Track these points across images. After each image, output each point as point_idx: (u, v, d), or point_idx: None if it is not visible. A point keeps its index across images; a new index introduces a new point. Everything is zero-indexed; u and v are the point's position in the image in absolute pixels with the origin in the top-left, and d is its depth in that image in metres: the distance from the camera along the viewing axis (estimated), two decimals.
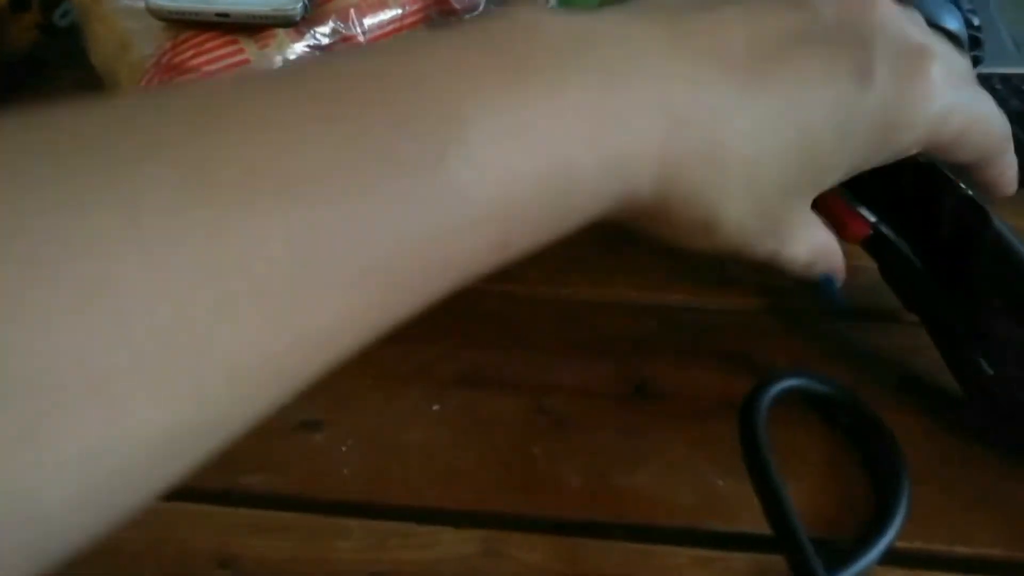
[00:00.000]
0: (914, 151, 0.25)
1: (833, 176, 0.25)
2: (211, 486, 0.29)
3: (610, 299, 0.35)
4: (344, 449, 0.30)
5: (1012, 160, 0.28)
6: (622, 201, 0.23)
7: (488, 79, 0.20)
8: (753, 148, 0.23)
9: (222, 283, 0.16)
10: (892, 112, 0.24)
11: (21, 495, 0.14)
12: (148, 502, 0.17)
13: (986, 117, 0.26)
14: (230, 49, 0.44)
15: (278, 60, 0.46)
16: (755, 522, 0.27)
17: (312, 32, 0.47)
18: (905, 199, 0.30)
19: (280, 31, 0.46)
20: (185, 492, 0.29)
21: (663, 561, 0.26)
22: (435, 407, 0.31)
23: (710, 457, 0.29)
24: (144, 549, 0.27)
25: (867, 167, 0.25)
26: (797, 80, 0.23)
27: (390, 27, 0.49)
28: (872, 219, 0.31)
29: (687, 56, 0.23)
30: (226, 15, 0.44)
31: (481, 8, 0.51)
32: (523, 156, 0.20)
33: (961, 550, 0.26)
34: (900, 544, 0.26)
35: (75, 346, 0.14)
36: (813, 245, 0.27)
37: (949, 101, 0.25)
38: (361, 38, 0.48)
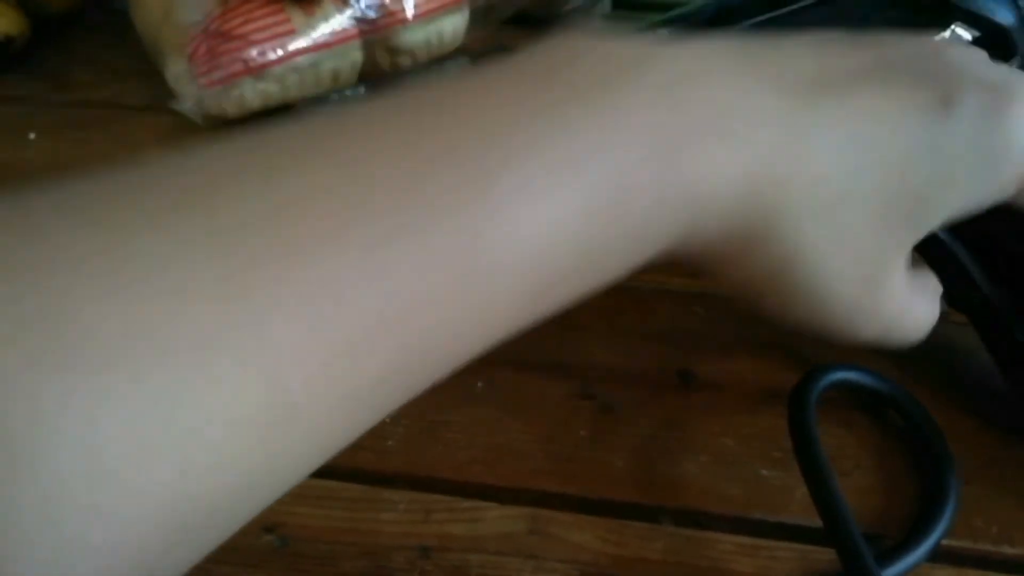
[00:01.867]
0: (1009, 192, 0.23)
1: (936, 214, 0.22)
2: None
3: (656, 286, 0.35)
4: (388, 421, 0.30)
5: None
6: (683, 237, 0.20)
7: (527, 109, 0.18)
8: (828, 174, 0.21)
9: (230, 349, 0.15)
10: (985, 144, 0.21)
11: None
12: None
13: None
14: (278, 18, 0.44)
15: (324, 31, 0.45)
16: (801, 513, 0.27)
17: (358, 4, 0.47)
18: None
19: (327, 2, 0.46)
20: None
21: (709, 547, 0.26)
22: (480, 384, 0.31)
23: (756, 448, 0.29)
24: None
25: (975, 207, 0.22)
26: (873, 107, 0.21)
27: (436, 3, 0.49)
28: None
29: (750, 80, 0.21)
30: None
31: None
32: (566, 194, 0.18)
33: (1008, 550, 0.26)
34: (947, 542, 0.26)
35: (125, 429, 0.14)
36: (928, 318, 0.24)
37: None
38: (408, 13, 0.48)
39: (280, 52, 0.44)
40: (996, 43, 0.32)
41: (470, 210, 0.17)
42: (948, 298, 0.30)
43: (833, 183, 0.21)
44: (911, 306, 0.24)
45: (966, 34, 0.31)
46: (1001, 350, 0.29)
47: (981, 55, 0.24)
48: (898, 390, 0.29)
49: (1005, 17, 0.33)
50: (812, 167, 0.20)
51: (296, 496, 0.28)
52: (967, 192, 0.22)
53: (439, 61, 0.51)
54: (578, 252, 0.19)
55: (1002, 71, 0.23)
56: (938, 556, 0.26)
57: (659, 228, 0.20)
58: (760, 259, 0.21)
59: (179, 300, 0.15)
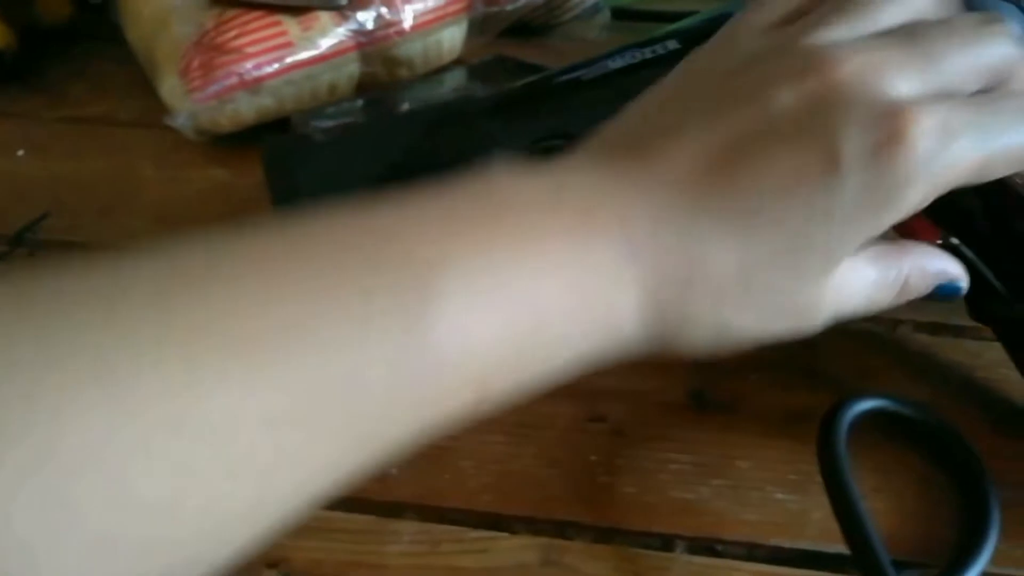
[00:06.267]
0: (932, 198, 0.23)
1: (847, 250, 0.23)
2: None
3: None
4: None
5: None
6: (612, 345, 0.22)
7: (463, 243, 0.20)
8: (734, 260, 0.22)
9: (189, 446, 0.16)
10: (878, 186, 0.22)
11: None
12: None
13: (1009, 147, 0.23)
14: (274, 31, 0.43)
15: (321, 43, 0.45)
16: (819, 538, 0.26)
17: (355, 17, 0.46)
18: (971, 209, 0.29)
19: (324, 14, 0.45)
20: None
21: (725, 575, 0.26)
22: None
23: (771, 471, 0.28)
24: None
25: (884, 229, 0.23)
26: (762, 189, 0.22)
27: (433, 15, 0.48)
28: (942, 231, 0.30)
29: (645, 190, 0.22)
30: None
31: None
32: (501, 316, 0.20)
33: None
34: (991, 570, 0.25)
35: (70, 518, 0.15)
36: (866, 287, 0.25)
37: (950, 151, 0.22)
38: (405, 25, 0.47)
39: (276, 66, 0.43)
40: None
41: (422, 315, 0.19)
42: (972, 311, 0.30)
43: (738, 272, 0.22)
44: (848, 300, 0.25)
45: None
46: None
47: (886, 42, 0.23)
48: (931, 416, 0.28)
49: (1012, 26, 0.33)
50: (712, 258, 0.22)
51: (300, 529, 0.27)
52: (871, 229, 0.23)
53: (437, 72, 0.50)
54: (510, 359, 0.21)
55: (895, 86, 0.22)
56: None
57: (579, 343, 0.22)
58: (692, 338, 0.23)
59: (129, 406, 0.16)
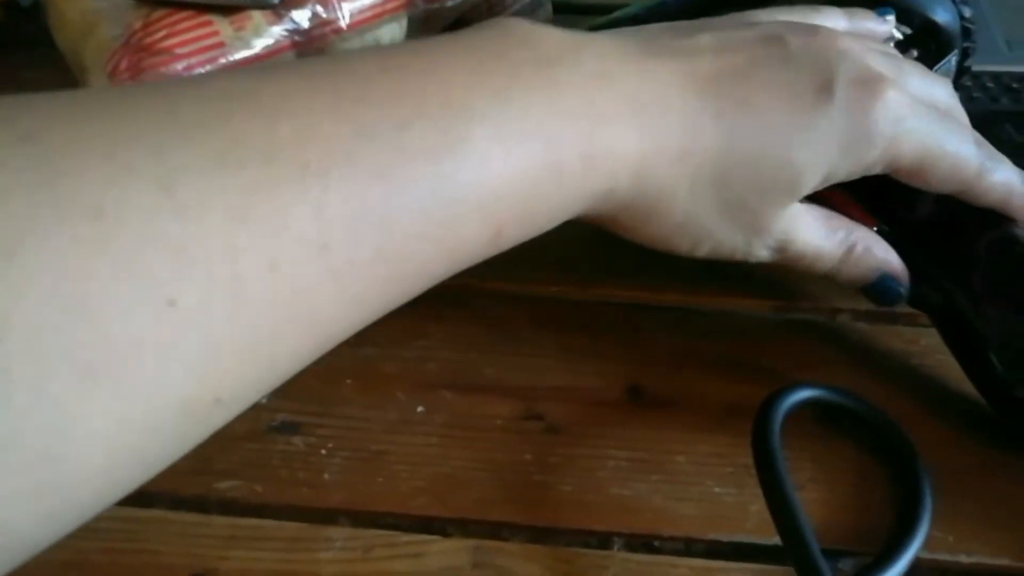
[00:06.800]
0: (879, 168, 0.27)
1: (808, 181, 0.26)
2: (184, 493, 0.27)
3: (602, 299, 0.34)
4: (324, 453, 0.29)
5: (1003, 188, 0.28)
6: (604, 197, 0.25)
7: (490, 80, 0.22)
8: (722, 151, 0.25)
9: (242, 261, 0.17)
10: (852, 126, 0.25)
11: (49, 465, 0.15)
12: (170, 462, 0.18)
13: (948, 152, 0.27)
14: (205, 31, 0.42)
15: (255, 43, 0.44)
16: (756, 531, 0.26)
17: (290, 16, 0.45)
18: (909, 197, 0.29)
19: (257, 13, 0.44)
20: (156, 500, 0.27)
21: (662, 573, 0.25)
22: (420, 409, 0.30)
23: (709, 465, 0.28)
24: (111, 563, 0.25)
25: (840, 176, 0.27)
26: (762, 98, 0.25)
27: (371, 12, 0.48)
28: (878, 221, 0.30)
29: (660, 69, 0.25)
30: None
31: None
32: (521, 152, 0.22)
33: (965, 560, 0.25)
34: (923, 555, 0.25)
35: (106, 316, 0.16)
36: (816, 233, 0.28)
37: (907, 126, 0.26)
38: (342, 23, 0.46)
39: (208, 67, 0.42)
40: (931, 40, 0.32)
41: (451, 150, 0.21)
42: (908, 298, 0.30)
43: (721, 162, 0.25)
44: (797, 236, 0.28)
45: (898, 32, 0.31)
46: (962, 347, 0.29)
47: (869, 44, 0.28)
48: (866, 404, 0.28)
49: (943, 15, 0.33)
50: (703, 150, 0.25)
51: (228, 539, 0.27)
52: (837, 166, 0.26)
53: None
54: (524, 198, 0.23)
55: (877, 64, 0.26)
56: (916, 571, 0.25)
57: (583, 189, 0.24)
58: (664, 217, 0.26)
59: (192, 215, 0.17)
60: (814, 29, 0.27)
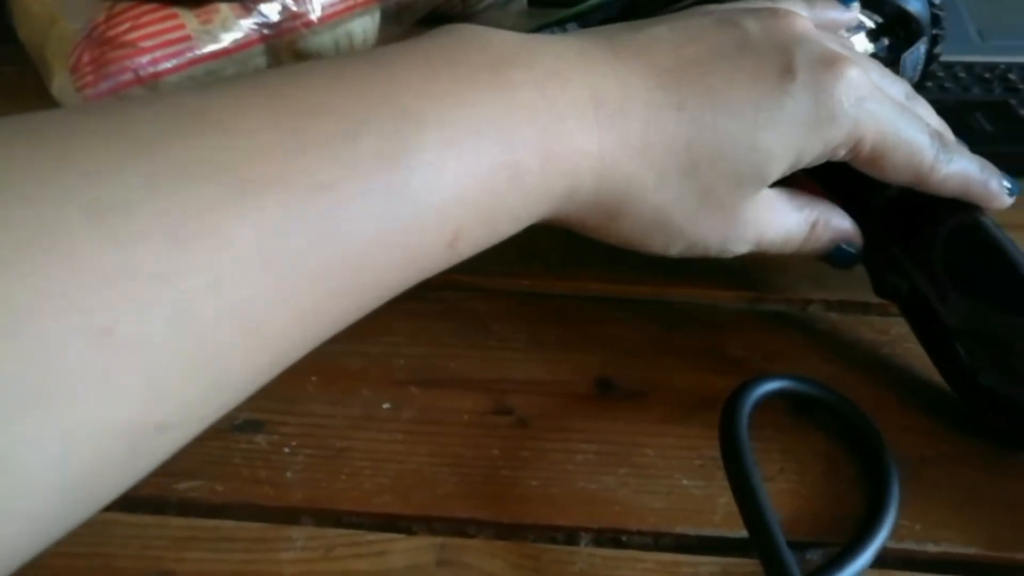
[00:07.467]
0: (843, 151, 0.26)
1: (777, 165, 0.26)
2: (143, 494, 0.27)
3: (572, 291, 0.33)
4: (287, 451, 0.28)
5: (959, 176, 0.28)
6: (568, 197, 0.24)
7: (443, 85, 0.22)
8: (688, 141, 0.25)
9: (183, 283, 0.17)
10: (817, 106, 0.25)
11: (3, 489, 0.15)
12: (117, 494, 0.18)
13: (904, 140, 0.27)
14: (170, 24, 0.41)
15: (223, 37, 0.43)
16: (724, 524, 0.26)
17: (259, 9, 0.44)
18: (876, 185, 0.29)
19: (224, 6, 0.43)
20: (114, 502, 0.27)
21: (629, 568, 0.25)
22: (386, 406, 0.29)
23: (677, 457, 0.28)
24: (64, 567, 0.25)
25: (807, 159, 0.26)
26: (724, 85, 0.25)
27: (343, 5, 0.47)
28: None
29: (618, 64, 0.25)
30: None
31: None
32: (475, 156, 0.22)
33: (932, 548, 0.25)
34: (891, 545, 0.25)
35: (40, 348, 0.15)
36: (786, 220, 0.28)
37: (868, 107, 0.26)
38: (313, 16, 0.45)
39: (174, 61, 0.42)
40: (900, 28, 0.32)
41: (403, 157, 0.20)
42: (876, 288, 0.30)
43: (687, 153, 0.25)
44: (770, 227, 0.28)
45: (869, 20, 0.31)
46: (928, 336, 0.29)
47: (828, 35, 0.28)
48: (834, 394, 0.28)
49: (913, 3, 0.33)
50: (667, 142, 0.25)
51: (187, 539, 0.26)
52: (804, 148, 0.26)
53: None
54: (483, 202, 0.22)
55: (836, 46, 0.26)
56: (882, 562, 0.24)
57: (544, 189, 0.23)
58: (633, 215, 0.26)
59: (125, 240, 0.16)
60: (772, 12, 0.27)
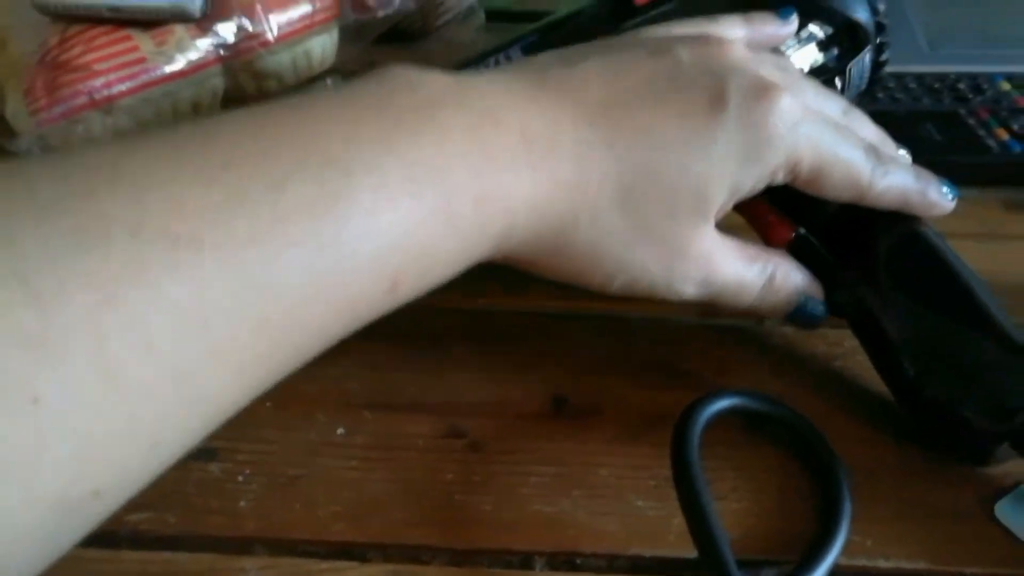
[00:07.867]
0: (781, 175, 0.27)
1: (715, 197, 0.26)
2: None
3: (526, 309, 0.33)
4: (241, 479, 0.28)
5: (894, 189, 0.28)
6: (504, 236, 0.24)
7: (370, 130, 0.21)
8: (620, 177, 0.25)
9: (110, 347, 0.16)
10: (750, 136, 0.25)
11: None
12: (49, 563, 0.17)
13: (841, 159, 0.27)
14: (124, 46, 0.41)
15: (178, 58, 0.43)
16: (678, 544, 0.26)
17: (214, 29, 0.44)
18: (823, 204, 0.29)
19: (179, 27, 0.43)
20: None
21: None
22: (340, 431, 0.29)
23: (630, 477, 0.28)
24: None
25: (747, 188, 0.26)
26: (653, 121, 0.25)
27: (300, 24, 0.47)
28: (796, 226, 0.30)
29: (547, 102, 0.25)
30: (117, 10, 0.41)
31: (396, 4, 0.49)
32: (410, 200, 0.21)
33: (883, 564, 0.25)
34: (844, 562, 0.25)
35: None
36: (737, 264, 0.28)
37: (803, 131, 0.26)
38: (270, 36, 0.45)
39: (129, 84, 0.41)
40: (847, 38, 0.32)
41: (333, 206, 0.20)
42: (828, 305, 0.30)
43: (621, 188, 0.25)
44: (719, 267, 0.27)
45: (820, 32, 0.31)
46: (874, 349, 0.29)
47: (763, 56, 0.28)
48: (786, 410, 0.28)
49: (860, 14, 0.33)
50: (599, 179, 0.25)
51: (139, 574, 0.26)
52: (742, 178, 0.26)
53: (311, 83, 0.48)
54: (419, 247, 0.22)
55: (768, 72, 0.27)
56: None
57: (479, 231, 0.23)
58: (570, 250, 0.26)
59: (51, 304, 0.16)
60: (704, 40, 0.27)
